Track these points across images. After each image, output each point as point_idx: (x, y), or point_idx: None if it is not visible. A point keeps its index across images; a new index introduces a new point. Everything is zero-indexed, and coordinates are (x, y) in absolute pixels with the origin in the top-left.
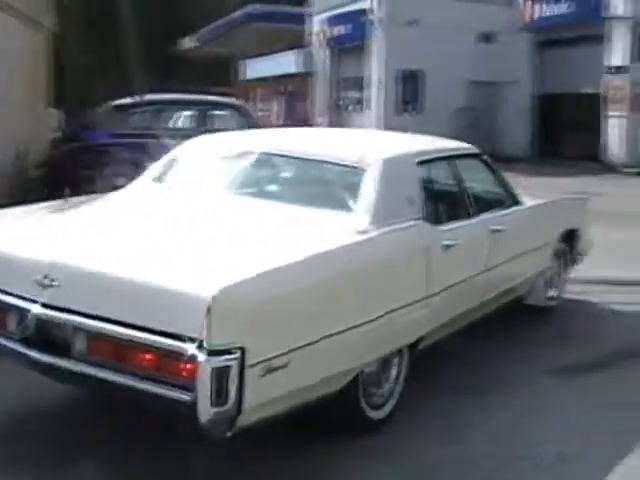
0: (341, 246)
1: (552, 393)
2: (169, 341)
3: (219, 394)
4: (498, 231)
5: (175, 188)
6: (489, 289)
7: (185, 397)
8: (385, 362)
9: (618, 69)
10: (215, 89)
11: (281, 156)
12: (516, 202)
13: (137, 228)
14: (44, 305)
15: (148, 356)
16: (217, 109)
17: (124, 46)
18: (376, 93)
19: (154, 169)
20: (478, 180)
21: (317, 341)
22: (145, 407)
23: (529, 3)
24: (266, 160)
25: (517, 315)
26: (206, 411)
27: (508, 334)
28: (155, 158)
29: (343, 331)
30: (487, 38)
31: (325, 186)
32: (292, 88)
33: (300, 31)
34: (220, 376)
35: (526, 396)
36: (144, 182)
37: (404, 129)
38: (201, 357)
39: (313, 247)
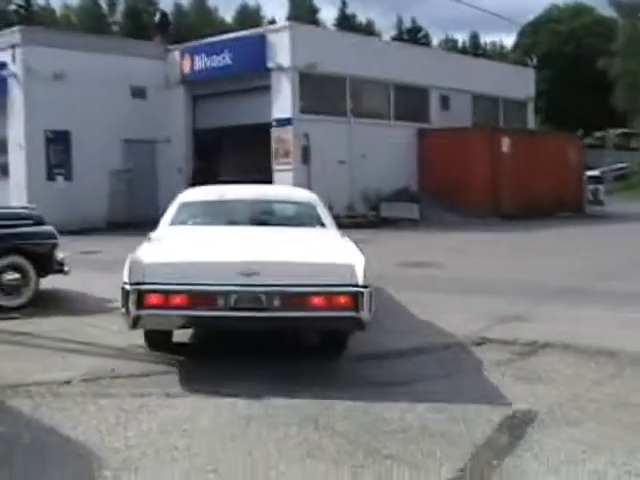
0: (347, 240)
1: None
2: (342, 289)
3: (370, 307)
4: None
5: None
6: None
7: (353, 313)
8: None
9: (282, 121)
10: None
11: (260, 201)
12: None
13: (256, 240)
14: (248, 285)
15: (322, 300)
16: None
17: None
18: (18, 157)
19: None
20: None
21: None
22: (319, 328)
23: (187, 55)
24: (250, 204)
25: None
26: (367, 316)
27: None
28: None
29: None
30: (141, 93)
31: (298, 215)
32: None
33: None
34: (369, 297)
35: None
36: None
37: (56, 196)
38: (361, 290)
39: (342, 241)
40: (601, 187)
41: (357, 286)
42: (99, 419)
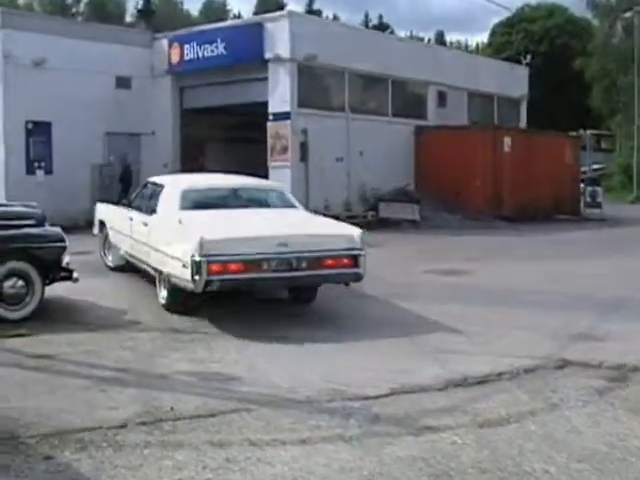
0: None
1: None
2: (347, 252)
3: (364, 265)
4: None
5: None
6: None
7: (355, 270)
8: None
9: (279, 115)
10: None
11: (245, 188)
12: None
13: (269, 219)
14: (283, 253)
15: (333, 261)
16: None
17: None
18: None
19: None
20: None
21: None
22: (330, 281)
23: (176, 44)
24: (236, 190)
25: None
26: (364, 272)
27: None
28: None
29: None
30: (125, 83)
31: (277, 199)
32: None
33: None
34: (364, 258)
35: None
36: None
37: (35, 191)
38: (361, 252)
39: (323, 217)
40: (599, 189)
41: (357, 249)
42: None
